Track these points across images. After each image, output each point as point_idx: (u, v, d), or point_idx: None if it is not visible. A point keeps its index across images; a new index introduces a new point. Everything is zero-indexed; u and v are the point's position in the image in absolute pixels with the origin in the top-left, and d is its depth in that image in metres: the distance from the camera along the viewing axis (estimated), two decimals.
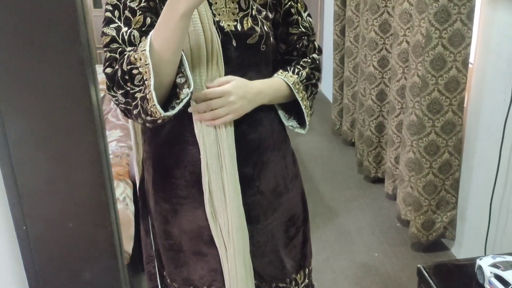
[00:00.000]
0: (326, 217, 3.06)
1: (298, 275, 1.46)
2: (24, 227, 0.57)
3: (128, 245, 2.10)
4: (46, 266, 0.59)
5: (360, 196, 3.30)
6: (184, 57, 1.13)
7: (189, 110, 1.18)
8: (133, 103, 1.09)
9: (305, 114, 1.34)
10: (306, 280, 1.48)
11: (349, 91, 3.70)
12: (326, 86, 5.09)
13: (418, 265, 1.27)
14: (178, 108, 1.12)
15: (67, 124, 0.55)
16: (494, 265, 1.19)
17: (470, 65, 2.33)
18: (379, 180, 3.36)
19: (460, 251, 2.60)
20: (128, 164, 2.44)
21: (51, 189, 0.57)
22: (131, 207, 2.22)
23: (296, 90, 1.32)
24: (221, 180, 1.23)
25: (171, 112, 1.11)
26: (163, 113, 1.09)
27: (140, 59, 1.06)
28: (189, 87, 1.12)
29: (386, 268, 2.61)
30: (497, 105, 2.14)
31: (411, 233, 2.66)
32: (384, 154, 3.29)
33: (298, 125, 1.39)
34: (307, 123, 1.36)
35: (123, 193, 2.22)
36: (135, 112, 1.11)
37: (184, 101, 1.12)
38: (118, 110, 3.19)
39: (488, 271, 1.18)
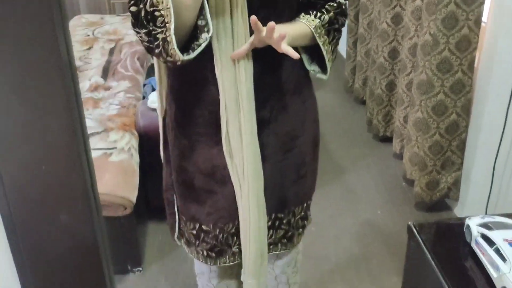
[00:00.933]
0: (333, 175, 3.07)
1: (297, 208, 1.51)
2: None
3: (132, 195, 2.15)
4: (21, 208, 0.61)
5: (368, 154, 3.30)
6: (206, 1, 1.14)
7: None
8: (155, 43, 1.13)
9: (326, 59, 1.33)
10: (302, 213, 1.54)
11: (362, 48, 3.64)
12: (340, 43, 5.01)
13: (409, 223, 1.29)
14: (196, 52, 1.16)
15: (38, 70, 0.56)
16: (482, 225, 1.20)
17: (482, 24, 2.27)
18: (388, 139, 3.35)
19: (462, 211, 2.61)
20: (135, 115, 2.46)
21: (23, 133, 0.58)
22: (136, 157, 2.26)
23: (318, 35, 1.30)
24: (239, 122, 1.26)
25: (189, 56, 1.15)
26: (181, 57, 1.13)
27: (162, 2, 1.08)
28: (208, 31, 1.15)
29: (389, 226, 2.64)
30: (508, 66, 2.09)
31: (415, 192, 2.67)
32: (393, 113, 3.27)
33: (319, 70, 1.38)
34: (328, 68, 1.35)
35: (128, 143, 2.26)
36: (157, 51, 1.15)
37: (203, 45, 1.16)
38: (128, 60, 3.18)
39: (475, 230, 1.19)
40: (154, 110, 2.40)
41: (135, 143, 2.30)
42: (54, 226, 0.62)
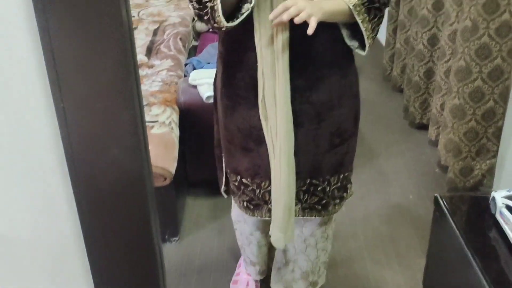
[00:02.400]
0: (366, 158, 3.11)
1: (332, 177, 1.61)
2: (62, 105, 0.67)
3: (171, 166, 2.24)
4: (80, 140, 0.69)
5: (403, 141, 3.31)
6: None
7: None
8: (204, 11, 1.30)
9: (365, 37, 1.38)
10: (339, 183, 1.63)
11: (402, 35, 3.64)
12: (380, 30, 5.00)
13: (436, 194, 1.33)
14: (239, 20, 1.30)
15: (97, 19, 0.63)
16: (508, 197, 1.24)
17: None
18: (424, 127, 3.35)
19: None
20: (176, 92, 2.55)
21: (83, 72, 0.66)
22: (176, 131, 2.35)
23: (357, 12, 1.35)
24: (273, 87, 1.38)
25: (232, 23, 1.30)
26: (225, 23, 1.29)
27: None
28: (250, 2, 1.28)
29: (419, 211, 2.66)
30: None
31: (448, 178, 2.68)
32: (430, 100, 3.26)
33: (359, 46, 1.44)
34: (367, 45, 1.41)
35: (169, 117, 2.35)
36: (205, 18, 1.32)
37: (245, 14, 1.29)
38: (171, 40, 3.27)
39: (500, 202, 1.22)
40: (195, 87, 2.49)
41: (175, 117, 2.40)
42: (106, 158, 0.71)
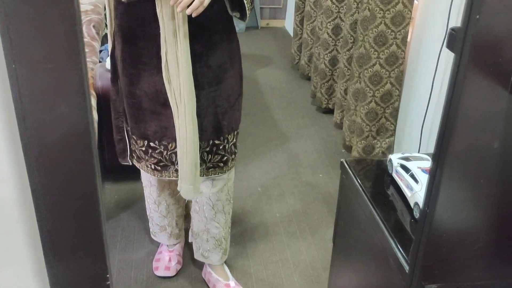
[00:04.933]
0: (278, 142, 3.29)
1: (229, 135, 1.80)
2: (13, 66, 0.74)
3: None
4: (30, 100, 0.76)
5: (311, 124, 3.53)
6: None
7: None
8: None
9: (247, 8, 1.58)
10: (234, 140, 1.84)
11: (308, 25, 3.86)
12: (289, 22, 5.22)
13: (342, 160, 1.50)
14: None
15: None
16: (402, 158, 1.43)
17: (415, 2, 2.52)
18: (330, 111, 3.59)
19: None
20: (93, 77, 2.57)
21: (35, 37, 0.72)
22: (95, 115, 2.38)
23: None
24: (176, 52, 1.51)
25: None
26: None
27: None
28: None
29: (328, 187, 2.88)
30: (435, 40, 2.35)
31: (353, 156, 2.92)
32: (335, 86, 3.50)
33: (240, 17, 1.64)
34: (247, 14, 1.61)
35: None
36: None
37: None
38: (84, 27, 3.22)
39: (396, 162, 1.42)
40: None
41: (93, 102, 2.42)
42: (54, 115, 0.78)
